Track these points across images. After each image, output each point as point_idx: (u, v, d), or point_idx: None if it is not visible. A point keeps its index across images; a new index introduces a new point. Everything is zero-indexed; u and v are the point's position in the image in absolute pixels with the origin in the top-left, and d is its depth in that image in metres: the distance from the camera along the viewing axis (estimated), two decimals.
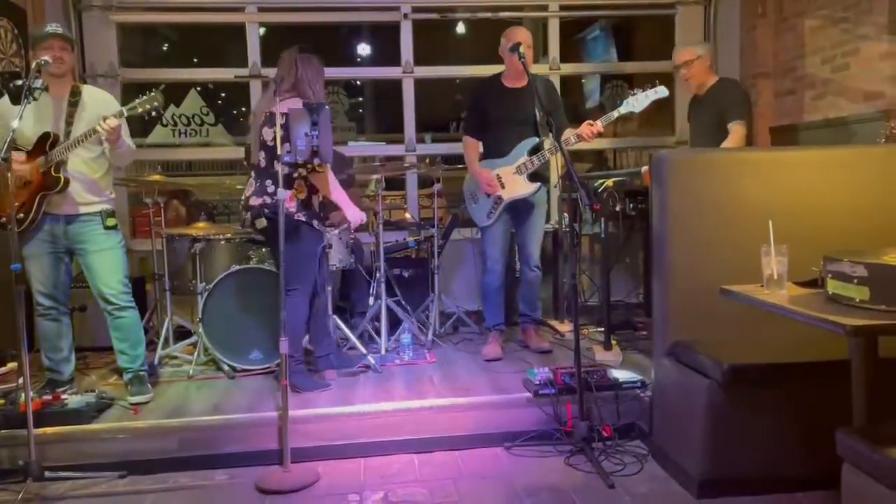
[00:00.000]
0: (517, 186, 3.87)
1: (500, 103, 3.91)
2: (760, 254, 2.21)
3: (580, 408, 3.02)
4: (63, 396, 3.20)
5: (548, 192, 4.11)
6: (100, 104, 3.31)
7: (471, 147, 4.01)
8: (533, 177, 3.87)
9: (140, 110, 3.17)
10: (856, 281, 1.91)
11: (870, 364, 1.96)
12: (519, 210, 3.96)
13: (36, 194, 3.18)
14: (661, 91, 3.71)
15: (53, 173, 3.17)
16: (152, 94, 3.17)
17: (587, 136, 3.72)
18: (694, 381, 2.64)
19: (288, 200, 3.18)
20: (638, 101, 3.71)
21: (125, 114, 3.14)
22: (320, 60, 3.45)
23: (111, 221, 3.37)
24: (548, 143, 3.88)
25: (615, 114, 3.73)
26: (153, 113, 3.23)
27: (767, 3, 4.85)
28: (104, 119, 3.09)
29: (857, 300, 1.91)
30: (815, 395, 2.44)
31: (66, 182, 3.20)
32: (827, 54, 4.32)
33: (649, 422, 3.09)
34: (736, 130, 3.73)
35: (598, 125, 3.71)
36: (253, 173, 3.43)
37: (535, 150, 3.86)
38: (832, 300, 2.01)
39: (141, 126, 4.76)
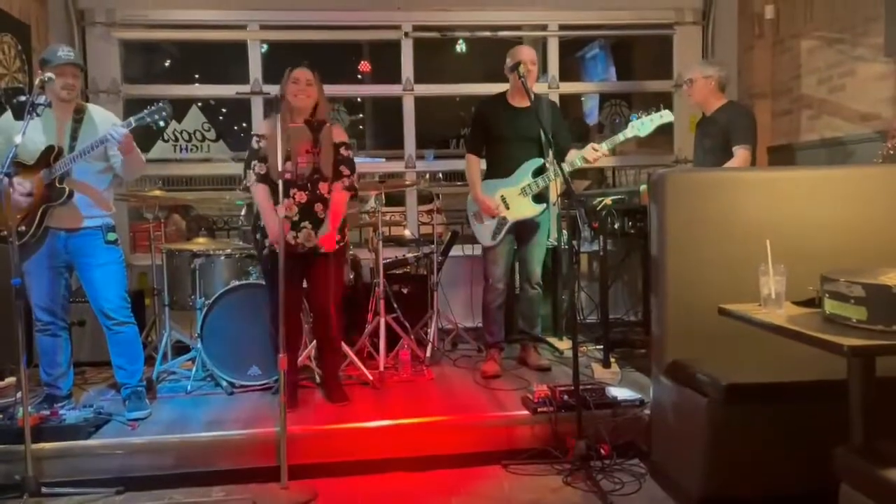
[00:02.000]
0: (523, 208, 3.87)
1: (504, 121, 3.91)
2: (758, 273, 2.22)
3: (578, 426, 3.02)
4: (61, 412, 3.19)
5: (548, 210, 4.11)
6: (105, 122, 3.34)
7: (474, 165, 3.99)
8: (538, 198, 3.88)
9: (148, 120, 3.18)
10: (853, 301, 1.92)
11: (867, 384, 1.96)
12: (523, 229, 3.96)
13: (39, 206, 3.19)
14: (667, 116, 3.73)
15: (57, 184, 3.19)
16: (160, 104, 3.18)
17: (591, 159, 3.75)
18: (692, 400, 2.64)
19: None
20: (643, 126, 3.73)
21: (133, 124, 3.16)
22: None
23: (112, 236, 3.38)
24: (549, 163, 3.89)
25: (620, 137, 3.75)
26: (161, 123, 3.24)
27: (764, 24, 4.90)
28: (114, 127, 3.13)
29: (855, 320, 1.92)
30: (814, 415, 2.44)
31: (71, 193, 3.20)
32: (823, 75, 4.37)
33: (648, 440, 3.08)
34: (740, 154, 3.72)
35: (602, 149, 3.73)
36: None
37: (540, 171, 3.87)
38: (830, 320, 2.01)
39: (142, 141, 4.77)
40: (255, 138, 3.51)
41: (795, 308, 2.21)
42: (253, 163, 3.47)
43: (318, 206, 3.42)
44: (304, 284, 3.58)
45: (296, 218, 3.39)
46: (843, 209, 2.87)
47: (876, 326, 1.87)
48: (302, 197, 3.38)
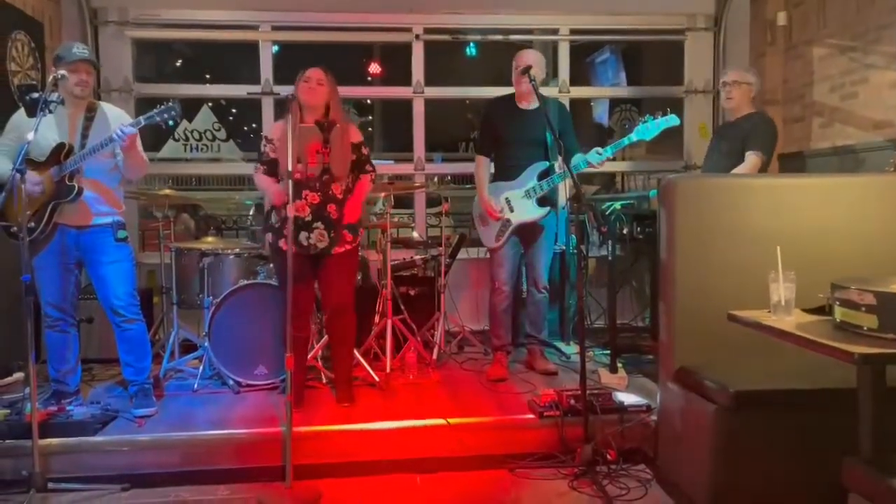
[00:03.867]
0: (526, 210, 3.87)
1: (512, 124, 3.92)
2: (768, 280, 2.21)
3: (585, 431, 3.01)
4: (68, 408, 3.21)
5: (555, 214, 4.10)
6: (116, 119, 3.35)
7: (481, 167, 4.01)
8: (542, 201, 3.88)
9: (158, 119, 3.18)
10: (864, 309, 1.91)
11: (878, 393, 1.95)
12: (528, 232, 3.95)
13: (48, 203, 3.21)
14: (672, 119, 3.72)
15: (67, 181, 3.20)
16: (170, 104, 3.19)
17: (595, 164, 3.75)
18: (700, 407, 2.62)
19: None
20: (648, 129, 3.73)
21: (142, 123, 3.17)
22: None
23: (122, 234, 3.40)
24: (558, 166, 3.89)
25: (625, 141, 3.75)
26: (170, 122, 3.25)
27: (776, 31, 4.89)
28: (121, 126, 3.14)
29: (866, 328, 1.90)
30: (822, 423, 2.43)
31: (80, 190, 3.22)
32: (835, 82, 4.35)
33: (654, 446, 3.07)
34: (751, 159, 3.69)
35: (607, 154, 3.72)
36: None
37: (545, 174, 3.87)
38: (840, 328, 2.00)
39: (152, 140, 4.79)
40: (262, 141, 3.54)
41: (805, 315, 2.20)
42: (257, 165, 3.53)
43: (331, 207, 3.42)
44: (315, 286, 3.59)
45: (308, 219, 3.39)
46: (854, 217, 2.86)
47: (887, 335, 1.85)
48: (314, 198, 3.39)
